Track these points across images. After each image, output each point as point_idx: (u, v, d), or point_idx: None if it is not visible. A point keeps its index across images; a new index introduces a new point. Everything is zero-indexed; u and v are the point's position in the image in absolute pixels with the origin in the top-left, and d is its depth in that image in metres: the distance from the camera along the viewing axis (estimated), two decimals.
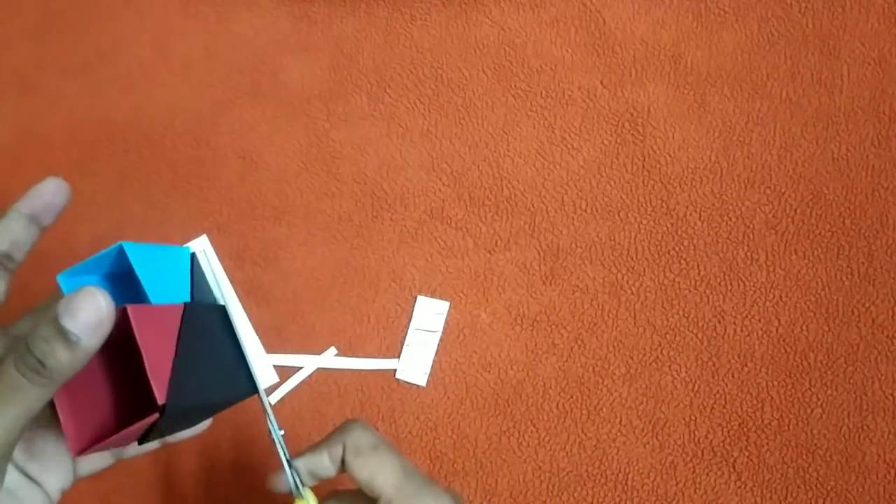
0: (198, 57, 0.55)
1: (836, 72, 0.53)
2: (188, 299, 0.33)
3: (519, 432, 0.48)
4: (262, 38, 0.55)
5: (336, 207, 0.52)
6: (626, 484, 0.47)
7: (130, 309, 0.28)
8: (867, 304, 0.49)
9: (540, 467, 0.47)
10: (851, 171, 0.51)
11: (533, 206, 0.51)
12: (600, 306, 0.49)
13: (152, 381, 0.28)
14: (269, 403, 0.36)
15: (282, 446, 0.35)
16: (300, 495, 0.36)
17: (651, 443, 0.47)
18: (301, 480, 0.36)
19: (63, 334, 0.27)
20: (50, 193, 0.35)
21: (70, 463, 0.37)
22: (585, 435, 0.47)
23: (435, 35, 0.55)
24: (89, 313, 0.28)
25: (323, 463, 0.36)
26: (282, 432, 0.36)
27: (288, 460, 0.36)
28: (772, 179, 0.51)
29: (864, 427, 0.47)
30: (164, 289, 0.32)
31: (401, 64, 0.54)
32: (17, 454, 0.35)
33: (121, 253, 0.31)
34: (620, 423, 0.48)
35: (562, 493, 0.47)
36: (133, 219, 0.52)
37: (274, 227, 0.52)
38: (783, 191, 0.51)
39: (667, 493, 0.46)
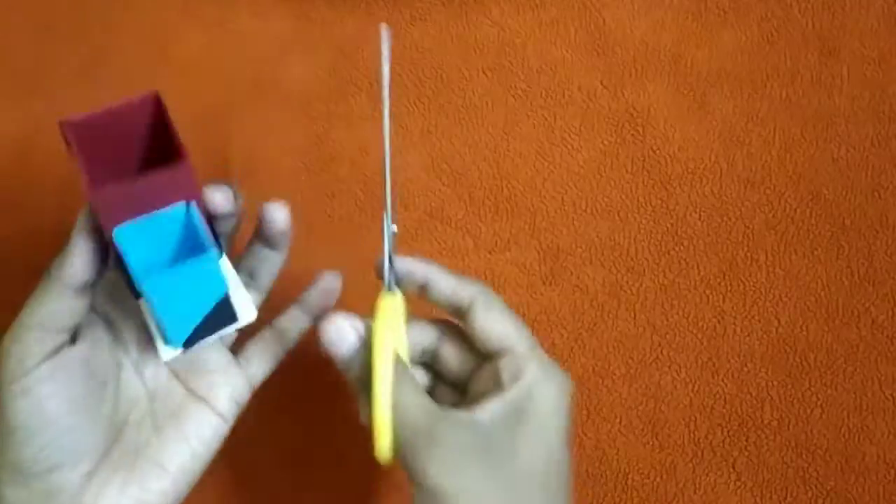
0: (197, 57, 0.55)
1: (836, 72, 0.53)
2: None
3: None
4: (261, 38, 0.55)
5: (336, 207, 0.52)
6: (626, 484, 0.47)
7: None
8: (867, 305, 0.49)
9: None
10: (851, 171, 0.51)
11: (533, 206, 0.51)
12: (600, 306, 0.49)
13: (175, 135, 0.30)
14: (391, 189, 0.36)
15: (389, 240, 0.35)
16: (392, 290, 0.35)
17: (651, 443, 0.47)
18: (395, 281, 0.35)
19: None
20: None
21: (239, 372, 0.38)
22: (585, 435, 0.47)
23: (435, 35, 0.54)
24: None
25: (445, 287, 0.36)
26: (394, 228, 0.35)
27: (390, 256, 0.35)
28: (772, 179, 0.51)
29: (864, 427, 0.47)
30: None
31: (400, 64, 0.54)
32: (184, 374, 0.37)
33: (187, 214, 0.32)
34: (620, 422, 0.48)
35: None
36: None
37: None
38: (783, 191, 0.51)
39: (666, 493, 0.46)
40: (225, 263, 0.38)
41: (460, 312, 0.36)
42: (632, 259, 0.50)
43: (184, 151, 0.31)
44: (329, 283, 0.40)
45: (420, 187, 0.52)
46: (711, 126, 0.52)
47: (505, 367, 0.34)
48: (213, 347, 0.38)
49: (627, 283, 0.50)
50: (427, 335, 0.37)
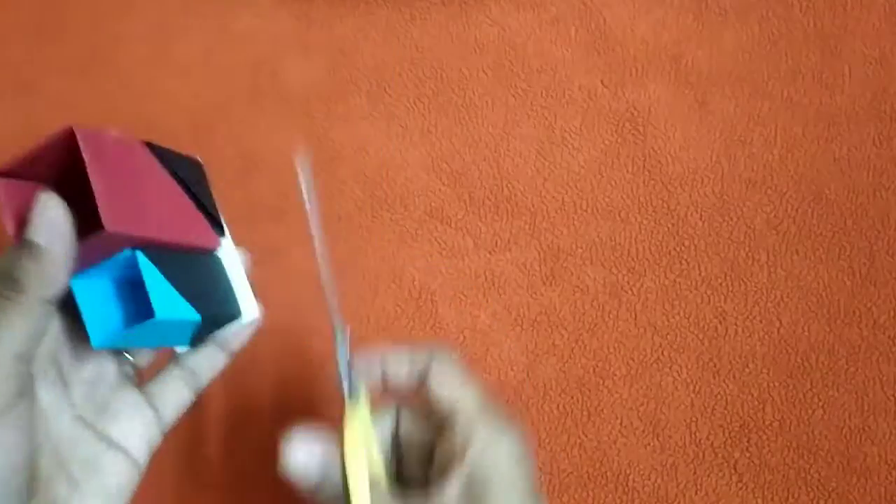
0: (197, 57, 0.55)
1: (838, 71, 0.53)
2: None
3: None
4: (261, 37, 0.55)
5: (336, 207, 0.52)
6: (627, 485, 0.47)
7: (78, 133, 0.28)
8: (869, 305, 0.49)
9: (540, 469, 0.47)
10: (853, 171, 0.51)
11: (533, 206, 0.51)
12: (601, 307, 0.49)
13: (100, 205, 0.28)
14: (333, 288, 0.35)
15: (343, 340, 0.33)
16: (354, 399, 0.34)
17: (652, 444, 0.47)
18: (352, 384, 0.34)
19: (26, 246, 0.28)
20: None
21: (153, 416, 0.35)
22: (586, 436, 0.47)
23: (435, 34, 0.54)
24: (44, 219, 0.28)
25: (401, 369, 0.35)
26: (347, 328, 0.34)
27: (347, 359, 0.33)
28: (773, 179, 0.51)
29: (866, 428, 0.47)
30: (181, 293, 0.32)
31: (400, 63, 0.54)
32: (93, 419, 0.34)
33: (132, 258, 0.30)
34: (621, 424, 0.47)
35: (562, 495, 0.47)
36: None
37: (274, 227, 0.51)
38: (784, 191, 0.51)
39: (667, 494, 0.46)
40: (230, 257, 0.38)
41: (419, 385, 0.36)
42: (633, 259, 0.50)
43: (101, 221, 0.28)
44: (249, 317, 0.38)
45: (420, 187, 0.52)
46: (712, 126, 0.52)
47: (457, 433, 0.34)
48: (125, 390, 0.35)
49: (628, 283, 0.50)
50: (387, 422, 0.37)
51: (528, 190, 0.51)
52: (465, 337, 0.49)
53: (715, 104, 0.52)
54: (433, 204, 0.51)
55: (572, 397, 0.48)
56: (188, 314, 0.32)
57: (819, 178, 0.51)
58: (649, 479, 0.47)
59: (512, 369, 0.48)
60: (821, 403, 0.47)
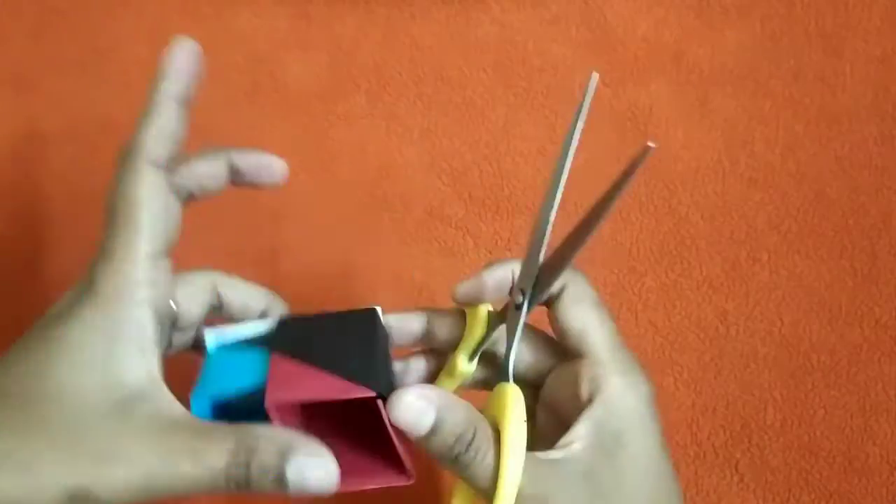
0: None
1: (840, 70, 0.52)
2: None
3: None
4: (260, 36, 0.55)
5: (336, 207, 0.52)
6: None
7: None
8: (870, 305, 0.48)
9: None
10: (854, 170, 0.51)
11: (534, 205, 0.51)
12: None
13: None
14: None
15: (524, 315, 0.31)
16: (508, 380, 0.31)
17: None
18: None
19: (281, 480, 0.27)
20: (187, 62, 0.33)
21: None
22: None
23: (435, 33, 0.54)
24: (317, 481, 0.27)
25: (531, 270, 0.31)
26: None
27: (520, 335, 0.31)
28: (774, 179, 0.51)
29: (868, 428, 0.47)
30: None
31: (400, 62, 0.54)
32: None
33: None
34: None
35: None
36: None
37: (273, 227, 0.51)
38: (786, 190, 0.51)
39: None
40: None
41: (549, 301, 0.33)
42: (634, 259, 0.50)
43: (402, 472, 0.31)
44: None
45: (420, 186, 0.52)
46: (714, 125, 0.52)
47: (584, 375, 0.31)
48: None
49: (629, 282, 0.49)
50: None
51: (528, 189, 0.51)
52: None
53: (716, 103, 0.52)
54: (433, 203, 0.51)
55: None
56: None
57: (821, 178, 0.51)
58: None
59: None
60: (822, 403, 0.47)
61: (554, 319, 0.33)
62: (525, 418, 0.29)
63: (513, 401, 0.29)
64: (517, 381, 0.32)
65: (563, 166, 0.33)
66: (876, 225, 0.50)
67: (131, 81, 0.55)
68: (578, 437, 0.30)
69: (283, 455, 0.27)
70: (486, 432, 0.29)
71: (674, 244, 0.50)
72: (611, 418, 0.30)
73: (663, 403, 0.48)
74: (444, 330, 0.34)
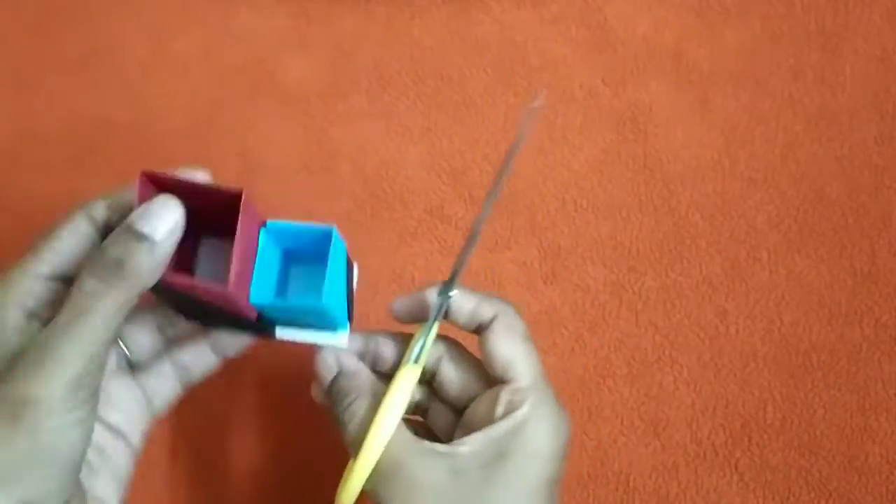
0: (196, 54, 0.55)
1: (839, 70, 0.52)
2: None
3: None
4: (260, 35, 0.55)
5: (336, 207, 0.52)
6: (628, 485, 0.46)
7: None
8: (870, 304, 0.48)
9: None
10: (854, 169, 0.51)
11: (533, 204, 0.51)
12: (601, 306, 0.49)
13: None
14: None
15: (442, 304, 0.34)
16: (417, 364, 0.34)
17: (653, 443, 0.47)
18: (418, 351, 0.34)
19: (140, 238, 0.29)
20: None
21: (147, 405, 0.36)
22: (587, 436, 0.47)
23: (435, 33, 0.54)
24: (165, 219, 0.29)
25: (466, 306, 0.35)
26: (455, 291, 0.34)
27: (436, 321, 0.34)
28: (774, 178, 0.51)
29: (868, 427, 0.47)
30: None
31: (400, 62, 0.54)
32: (99, 408, 0.33)
33: (325, 237, 0.32)
34: (622, 423, 0.47)
35: (563, 496, 0.46)
36: None
37: None
38: (786, 189, 0.51)
39: (668, 494, 0.46)
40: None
41: (480, 329, 0.35)
42: (633, 258, 0.50)
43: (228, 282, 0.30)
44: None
45: (420, 185, 0.52)
46: (714, 124, 0.52)
47: (503, 398, 0.33)
48: (122, 378, 0.35)
49: (629, 282, 0.49)
50: (430, 354, 0.36)
51: (528, 188, 0.51)
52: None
53: (716, 102, 0.52)
54: (433, 202, 0.51)
55: (573, 396, 0.48)
56: (342, 315, 0.34)
57: (820, 177, 0.51)
58: (650, 479, 0.46)
59: None
60: (822, 402, 0.47)
61: (483, 347, 0.35)
62: (409, 397, 0.33)
63: (400, 377, 0.33)
64: (446, 402, 0.36)
65: (499, 183, 0.37)
66: (876, 224, 0.50)
67: (130, 80, 0.55)
68: (468, 443, 0.32)
69: (133, 220, 0.29)
70: (366, 401, 0.33)
71: (673, 243, 0.50)
72: (506, 437, 0.32)
73: (663, 403, 0.48)
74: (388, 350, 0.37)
